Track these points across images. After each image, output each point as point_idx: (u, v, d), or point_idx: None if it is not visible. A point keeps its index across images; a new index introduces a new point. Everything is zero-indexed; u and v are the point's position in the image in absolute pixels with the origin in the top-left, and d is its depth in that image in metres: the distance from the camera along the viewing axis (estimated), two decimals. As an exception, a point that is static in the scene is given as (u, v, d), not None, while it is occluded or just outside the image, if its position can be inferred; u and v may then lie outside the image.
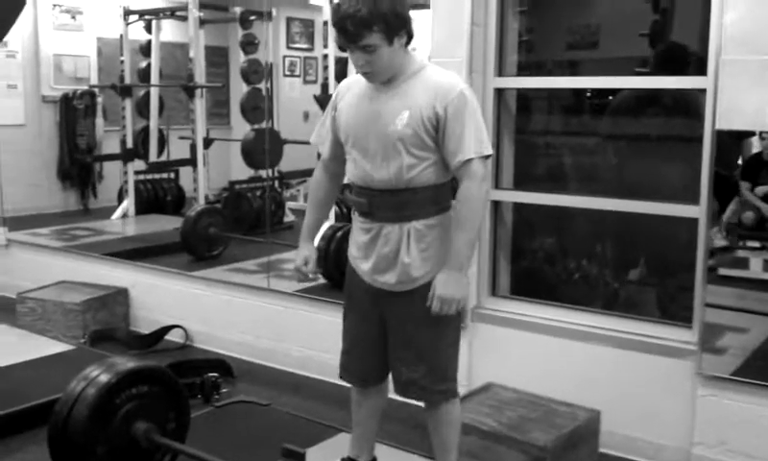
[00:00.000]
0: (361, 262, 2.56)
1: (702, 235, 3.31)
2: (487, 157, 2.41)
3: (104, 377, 2.82)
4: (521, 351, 3.71)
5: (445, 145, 2.39)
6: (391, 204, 2.46)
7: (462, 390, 3.63)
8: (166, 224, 6.94)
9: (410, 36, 2.44)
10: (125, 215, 7.47)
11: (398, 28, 2.37)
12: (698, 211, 3.31)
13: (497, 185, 3.90)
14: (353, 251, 2.60)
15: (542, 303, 3.83)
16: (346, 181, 2.72)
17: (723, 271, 5.06)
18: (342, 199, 6.58)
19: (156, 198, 7.95)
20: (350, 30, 2.31)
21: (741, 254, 5.17)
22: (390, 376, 2.66)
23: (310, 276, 2.70)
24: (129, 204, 7.55)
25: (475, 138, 2.38)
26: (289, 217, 7.49)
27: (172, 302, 5.07)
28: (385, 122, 2.42)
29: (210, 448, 2.76)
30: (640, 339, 3.44)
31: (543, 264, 4.50)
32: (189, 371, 3.95)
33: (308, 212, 2.77)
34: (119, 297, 5.23)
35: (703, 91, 3.22)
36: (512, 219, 4.08)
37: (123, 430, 2.80)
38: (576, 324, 3.62)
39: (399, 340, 2.54)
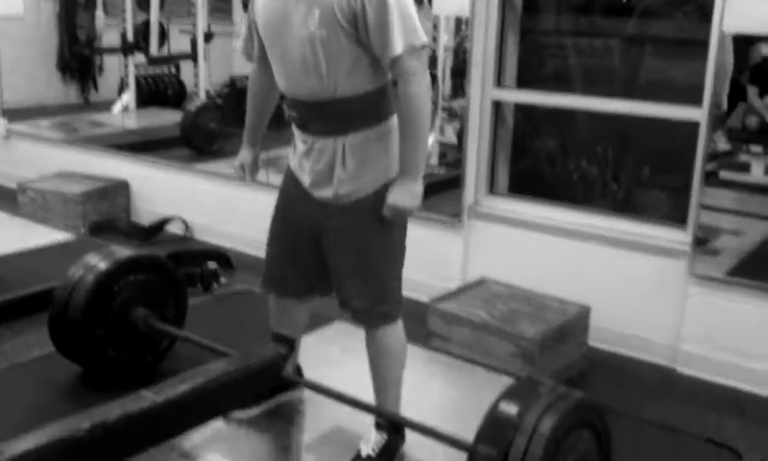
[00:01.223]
0: (301, 173, 2.37)
1: (702, 137, 3.29)
2: (421, 47, 2.14)
3: (103, 265, 2.86)
4: (516, 249, 3.75)
5: (370, 42, 2.12)
6: (321, 116, 2.25)
7: (456, 284, 3.72)
8: (167, 118, 6.90)
9: None
10: (125, 109, 7.41)
11: None
12: (700, 114, 3.28)
13: (500, 85, 3.86)
14: (294, 161, 2.41)
15: (539, 202, 3.84)
16: None
17: (724, 174, 5.06)
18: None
19: (157, 92, 7.87)
20: None
21: (743, 158, 5.15)
22: (311, 297, 2.56)
23: (248, 177, 2.64)
24: (129, 97, 7.47)
25: (402, 29, 2.09)
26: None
27: (172, 194, 5.10)
28: (297, 25, 2.16)
29: (208, 335, 2.80)
30: (635, 238, 3.47)
31: (543, 164, 4.50)
32: (189, 261, 4.00)
33: (247, 116, 2.62)
34: (119, 189, 5.25)
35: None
36: (513, 118, 4.05)
37: (122, 315, 2.85)
38: (572, 222, 3.64)
39: (337, 257, 2.36)
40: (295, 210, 2.42)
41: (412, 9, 2.15)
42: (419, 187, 2.22)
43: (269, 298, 2.58)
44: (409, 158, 2.21)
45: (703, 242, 3.46)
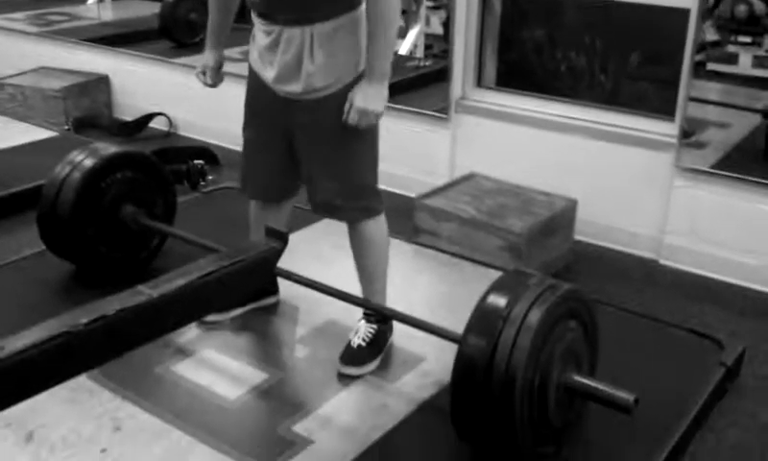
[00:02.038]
0: (263, 69, 2.29)
1: (692, 27, 3.25)
2: None
3: (88, 162, 2.84)
4: (504, 143, 3.74)
5: None
6: (291, 5, 2.16)
7: (444, 180, 3.73)
8: (144, 8, 6.70)
9: None
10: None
11: None
12: (690, 1, 3.23)
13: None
14: (255, 56, 2.32)
15: (527, 95, 3.81)
16: None
17: (711, 66, 5.03)
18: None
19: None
20: None
21: (731, 49, 5.11)
22: (289, 198, 2.54)
23: (209, 83, 2.55)
24: (104, -14, 7.25)
25: None
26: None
27: (155, 89, 5.01)
28: None
29: (197, 231, 2.82)
30: (622, 131, 3.47)
31: (530, 55, 4.44)
32: (175, 158, 3.98)
33: (210, 13, 2.51)
34: (100, 84, 5.16)
35: None
36: (500, 8, 3.97)
37: (111, 213, 2.85)
38: (559, 115, 3.63)
39: (309, 156, 2.32)
40: (262, 110, 2.37)
41: None
42: (385, 89, 2.17)
43: (250, 202, 2.57)
44: (377, 58, 2.14)
45: (689, 134, 3.47)
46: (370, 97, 2.16)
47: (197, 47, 5.70)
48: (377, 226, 2.41)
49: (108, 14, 6.93)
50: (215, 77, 2.57)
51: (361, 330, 2.47)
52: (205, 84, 2.57)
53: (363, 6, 2.19)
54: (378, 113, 2.19)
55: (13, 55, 5.66)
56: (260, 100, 2.36)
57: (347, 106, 2.18)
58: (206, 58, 2.56)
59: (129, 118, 4.99)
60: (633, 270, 3.36)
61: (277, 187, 2.49)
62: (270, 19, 2.21)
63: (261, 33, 2.27)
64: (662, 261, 3.39)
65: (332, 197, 2.33)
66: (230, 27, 2.56)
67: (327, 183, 2.32)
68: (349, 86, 2.21)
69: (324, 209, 2.42)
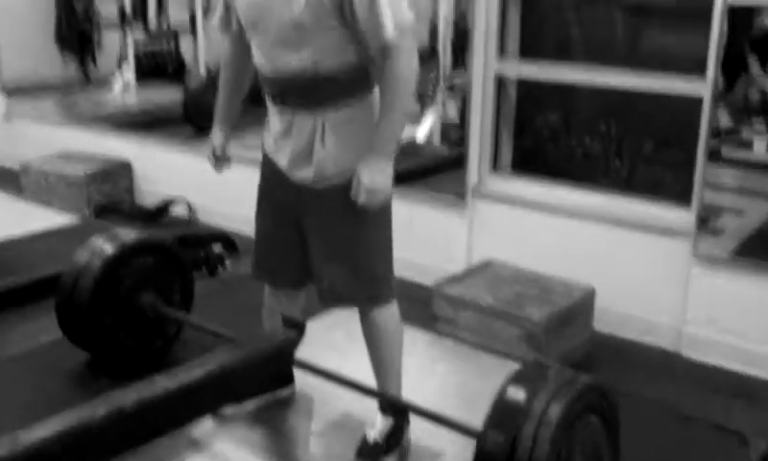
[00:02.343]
0: (277, 155, 2.31)
1: (706, 113, 3.28)
2: (410, 25, 2.08)
3: (108, 249, 2.87)
4: (521, 229, 3.75)
5: (356, 25, 2.06)
6: (302, 91, 2.18)
7: (460, 266, 3.73)
8: (167, 94, 6.87)
9: None
10: (125, 85, 7.38)
11: None
12: (704, 88, 3.27)
13: (502, 54, 3.84)
14: (269, 141, 2.35)
15: (543, 181, 3.84)
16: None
17: (726, 152, 5.04)
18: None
19: (157, 67, 7.83)
20: None
21: (746, 135, 5.13)
22: (306, 287, 2.51)
23: (215, 167, 2.57)
24: (128, 73, 7.44)
25: (391, 11, 2.03)
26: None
27: (176, 175, 5.09)
28: (280, 6, 2.09)
29: (214, 319, 2.82)
30: (638, 218, 3.47)
31: (545, 141, 4.48)
32: (194, 244, 4.01)
33: (219, 93, 2.53)
34: (122, 169, 5.25)
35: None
36: (515, 94, 4.03)
37: (129, 301, 2.87)
38: (575, 202, 3.64)
39: (318, 241, 2.31)
40: (275, 196, 2.39)
41: None
42: (390, 168, 2.16)
43: (264, 288, 2.56)
44: (385, 136, 2.14)
45: (706, 221, 3.46)
46: (375, 174, 2.13)
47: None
48: (389, 315, 2.38)
49: (132, 100, 7.11)
50: (222, 161, 2.58)
51: (377, 424, 2.44)
52: (214, 169, 2.59)
53: (375, 93, 2.22)
54: (385, 191, 2.18)
55: (38, 139, 5.79)
56: (273, 186, 2.38)
57: (354, 182, 2.15)
58: (214, 138, 2.58)
59: (150, 204, 5.06)
60: (653, 361, 3.31)
61: (288, 274, 2.47)
62: (282, 103, 2.25)
63: (275, 118, 2.31)
64: (684, 352, 3.34)
65: (338, 283, 2.31)
66: (239, 108, 2.59)
67: (334, 269, 2.31)
68: None
69: (330, 296, 2.37)
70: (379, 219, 2.29)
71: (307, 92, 2.18)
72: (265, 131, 2.40)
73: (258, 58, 2.26)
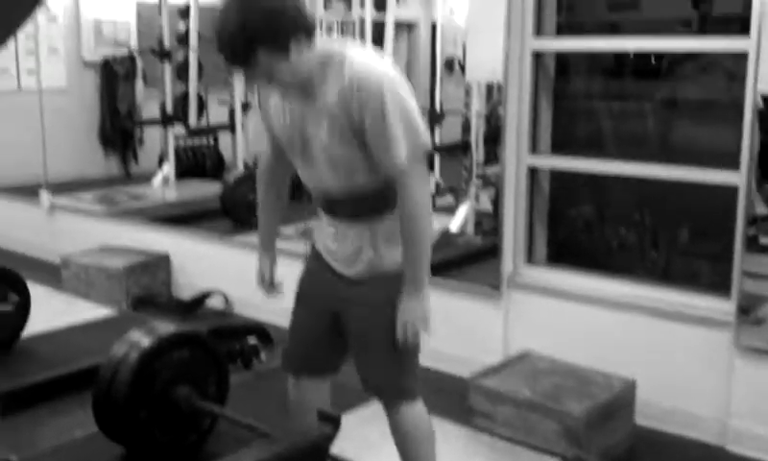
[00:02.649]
0: (327, 254, 2.35)
1: (742, 203, 3.26)
2: (422, 150, 2.12)
3: (145, 342, 2.89)
4: (557, 320, 3.71)
5: (373, 150, 2.09)
6: (347, 204, 2.24)
7: (496, 358, 3.69)
8: (206, 189, 7.01)
9: (307, 33, 2.06)
10: (165, 180, 7.55)
11: (287, 39, 2.01)
12: (738, 178, 3.26)
13: (534, 150, 3.88)
14: (319, 239, 2.40)
15: (579, 271, 3.81)
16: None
17: (764, 240, 4.97)
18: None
19: (196, 163, 8.02)
20: (231, 60, 2.06)
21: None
22: (329, 378, 2.50)
23: (274, 293, 2.56)
24: (169, 169, 7.62)
25: (406, 139, 2.06)
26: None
27: (213, 267, 5.15)
28: (310, 132, 2.15)
29: (249, 413, 2.81)
30: (677, 308, 3.42)
31: (580, 232, 4.48)
32: (229, 336, 4.02)
33: (259, 217, 2.54)
34: (161, 262, 5.32)
35: (745, 54, 3.16)
36: (548, 185, 4.05)
37: (164, 394, 2.86)
38: (613, 292, 3.60)
39: (354, 332, 2.33)
40: (318, 288, 2.39)
41: (412, 111, 2.09)
42: (426, 299, 2.20)
43: (288, 380, 2.52)
44: (414, 275, 2.17)
45: (747, 311, 3.40)
46: (413, 311, 2.18)
47: (254, 226, 5.90)
48: (417, 410, 2.36)
49: (171, 194, 7.25)
50: (271, 288, 2.58)
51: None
52: (266, 295, 2.59)
53: None
54: (425, 319, 2.20)
55: (79, 233, 5.91)
56: (319, 277, 2.38)
57: (398, 324, 2.19)
58: (261, 263, 2.57)
59: (187, 296, 5.10)
60: (697, 456, 3.20)
61: (318, 363, 2.46)
62: (331, 215, 2.30)
63: (324, 221, 2.35)
64: (729, 447, 3.23)
65: (372, 374, 2.32)
66: (279, 228, 2.61)
67: (369, 360, 2.32)
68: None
69: (364, 386, 2.38)
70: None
71: (349, 207, 2.24)
72: (316, 227, 2.43)
73: (302, 176, 2.31)
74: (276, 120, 2.27)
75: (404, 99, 2.08)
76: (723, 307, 3.33)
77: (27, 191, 6.47)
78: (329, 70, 2.09)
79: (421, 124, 2.12)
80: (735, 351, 3.22)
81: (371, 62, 2.09)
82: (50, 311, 4.49)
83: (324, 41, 2.15)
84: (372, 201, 2.21)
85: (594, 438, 3.02)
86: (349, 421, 3.05)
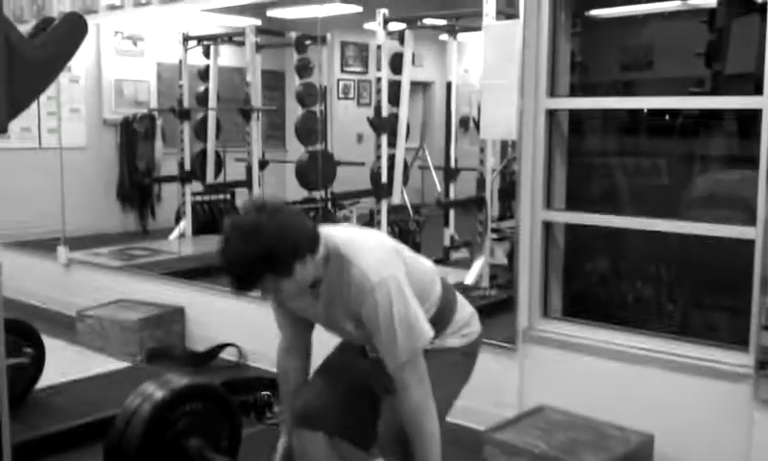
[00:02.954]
0: None
1: (759, 256, 3.24)
2: (420, 353, 2.17)
3: (159, 394, 2.89)
4: (573, 374, 3.67)
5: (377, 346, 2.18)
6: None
7: (512, 412, 3.65)
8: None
9: (311, 250, 2.12)
10: (182, 235, 7.62)
11: (290, 265, 2.06)
12: (754, 233, 3.25)
13: (549, 206, 3.89)
14: None
15: (595, 325, 3.78)
16: None
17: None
18: (394, 220, 6.66)
19: (213, 219, 8.08)
20: (239, 286, 2.10)
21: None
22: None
23: None
24: (186, 224, 7.70)
25: (403, 343, 2.12)
26: (342, 238, 7.52)
27: (227, 320, 5.15)
28: (338, 324, 2.28)
29: (261, 466, 2.78)
30: (695, 362, 3.38)
31: (596, 285, 4.46)
32: (242, 389, 4.01)
33: (283, 403, 2.59)
34: (175, 315, 5.33)
35: (759, 111, 3.18)
36: (563, 239, 4.05)
37: (176, 446, 2.85)
38: (629, 346, 3.57)
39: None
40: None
41: (410, 314, 2.13)
42: None
43: None
44: None
45: (765, 364, 3.35)
46: None
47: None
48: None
49: (188, 249, 7.31)
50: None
51: None
52: None
53: (455, 314, 2.41)
54: None
55: (95, 287, 5.95)
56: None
57: None
58: (282, 438, 2.60)
59: (201, 348, 5.10)
60: (718, 512, 3.14)
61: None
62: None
63: None
64: (750, 504, 3.17)
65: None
66: None
67: None
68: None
69: None
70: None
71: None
72: None
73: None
74: (294, 306, 2.35)
75: (401, 304, 2.11)
76: (741, 361, 3.29)
77: (45, 246, 6.54)
78: (333, 271, 2.16)
79: (420, 323, 2.15)
80: (755, 404, 3.17)
81: (368, 269, 2.12)
82: (64, 363, 4.50)
83: (326, 238, 2.18)
84: None
85: (612, 493, 2.97)
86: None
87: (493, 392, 3.87)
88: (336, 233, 2.23)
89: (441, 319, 2.34)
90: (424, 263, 2.39)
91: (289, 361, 2.53)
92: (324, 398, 2.40)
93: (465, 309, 2.44)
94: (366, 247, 2.19)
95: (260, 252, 2.01)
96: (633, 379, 3.50)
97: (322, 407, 2.39)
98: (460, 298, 2.46)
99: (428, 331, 2.16)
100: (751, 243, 3.26)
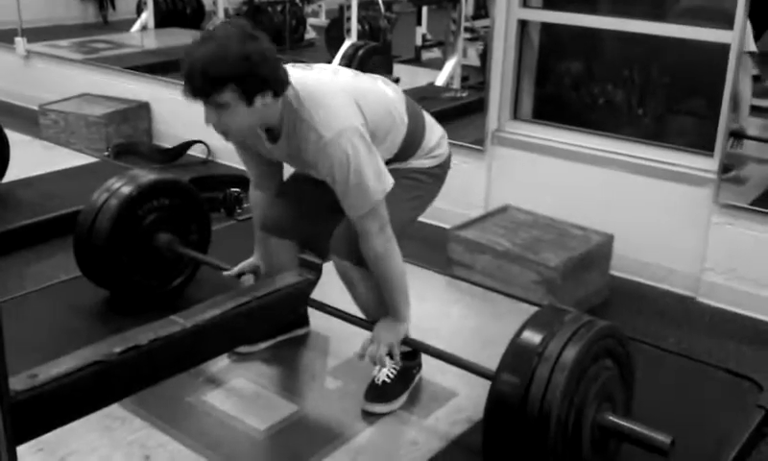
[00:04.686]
0: None
1: (732, 62, 3.22)
2: (379, 202, 2.13)
3: (126, 189, 2.87)
4: (540, 175, 3.72)
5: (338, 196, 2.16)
6: None
7: (479, 212, 3.72)
8: (186, 38, 6.73)
9: (279, 89, 2.06)
10: (144, 28, 7.34)
11: (258, 88, 2.01)
12: (730, 36, 3.20)
13: (525, 4, 3.77)
14: None
15: (563, 128, 3.79)
16: None
17: (753, 101, 4.94)
18: (365, 16, 6.45)
19: (176, 11, 7.78)
20: (197, 86, 2.00)
21: (773, 83, 5.03)
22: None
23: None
24: (148, 16, 7.40)
25: (362, 194, 2.10)
26: (310, 34, 7.33)
27: (194, 117, 5.02)
28: (303, 169, 2.30)
29: (231, 260, 2.82)
30: (660, 166, 3.43)
31: (567, 88, 4.42)
32: (211, 185, 4.02)
33: (255, 228, 2.61)
34: (141, 111, 5.24)
35: None
36: (538, 41, 3.97)
37: (146, 240, 2.88)
38: (596, 149, 3.60)
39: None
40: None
41: (366, 165, 2.08)
42: (403, 326, 2.29)
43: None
44: (391, 303, 2.25)
45: (728, 170, 3.42)
46: (386, 333, 2.26)
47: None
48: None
49: (150, 43, 7.07)
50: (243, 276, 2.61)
51: (387, 366, 2.44)
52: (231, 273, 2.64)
53: (424, 141, 2.36)
54: (392, 349, 2.27)
55: (56, 81, 5.79)
56: None
57: (372, 340, 2.27)
58: (250, 261, 2.62)
59: (168, 145, 5.05)
60: (670, 307, 3.30)
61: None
62: None
63: None
64: (700, 299, 3.33)
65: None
66: None
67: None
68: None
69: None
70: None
71: None
72: None
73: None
74: (258, 147, 2.30)
75: (356, 156, 2.07)
76: (705, 165, 3.34)
77: (2, 36, 6.27)
78: (294, 122, 2.12)
79: (379, 173, 2.11)
80: (715, 207, 3.26)
81: (319, 124, 2.08)
82: (30, 158, 4.43)
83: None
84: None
85: (570, 288, 3.08)
86: (331, 267, 3.10)
87: (461, 192, 3.91)
88: (294, 81, 2.14)
89: (409, 147, 2.34)
90: (386, 94, 2.31)
91: (258, 196, 2.55)
92: (292, 211, 2.47)
93: (433, 133, 2.42)
94: (319, 93, 2.13)
95: (238, 54, 1.97)
96: (597, 181, 3.56)
97: (290, 219, 2.46)
98: (429, 121, 2.42)
99: (388, 181, 2.15)
100: (723, 48, 3.22)
